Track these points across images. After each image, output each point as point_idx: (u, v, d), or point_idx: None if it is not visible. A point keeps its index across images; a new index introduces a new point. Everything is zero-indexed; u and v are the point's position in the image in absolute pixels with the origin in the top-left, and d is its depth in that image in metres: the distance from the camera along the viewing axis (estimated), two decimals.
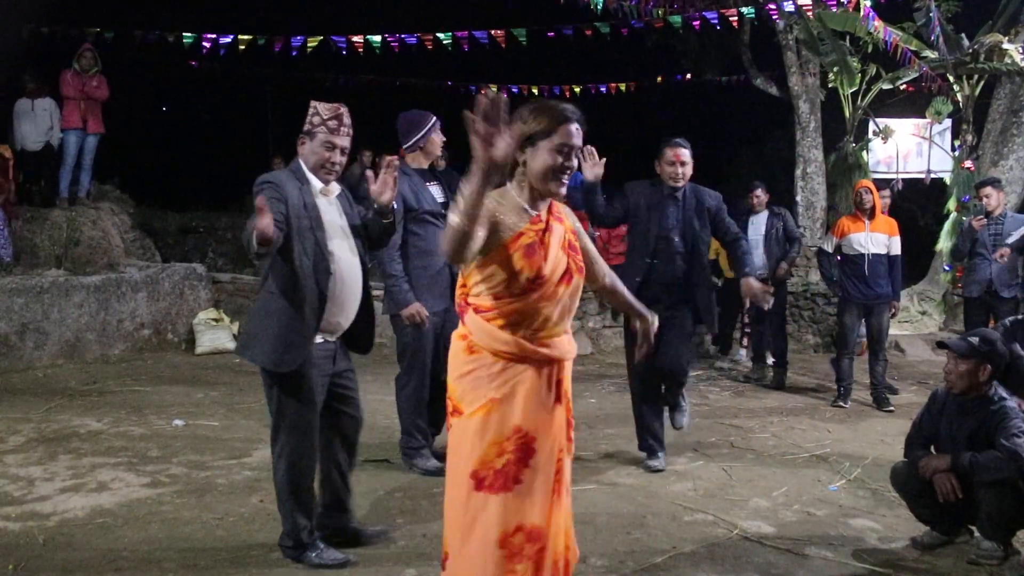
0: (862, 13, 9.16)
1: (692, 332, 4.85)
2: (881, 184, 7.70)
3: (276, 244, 2.97)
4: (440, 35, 9.53)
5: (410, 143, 4.55)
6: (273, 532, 3.62)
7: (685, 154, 4.61)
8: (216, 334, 8.09)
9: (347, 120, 3.26)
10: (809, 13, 9.67)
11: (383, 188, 3.33)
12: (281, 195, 3.12)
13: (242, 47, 9.45)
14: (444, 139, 4.66)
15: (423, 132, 4.52)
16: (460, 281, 2.42)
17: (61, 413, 5.65)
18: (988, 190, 6.71)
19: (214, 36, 9.35)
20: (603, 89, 14.05)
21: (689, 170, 4.64)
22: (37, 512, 3.86)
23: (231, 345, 8.09)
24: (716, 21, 9.47)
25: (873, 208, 6.40)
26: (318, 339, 3.24)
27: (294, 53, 9.60)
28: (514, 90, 13.70)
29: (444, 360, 4.60)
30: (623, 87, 14.06)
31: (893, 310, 6.48)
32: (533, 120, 2.33)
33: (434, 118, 4.58)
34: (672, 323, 4.50)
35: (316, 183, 3.26)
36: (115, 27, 9.45)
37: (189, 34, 9.34)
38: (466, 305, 2.38)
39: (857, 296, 6.41)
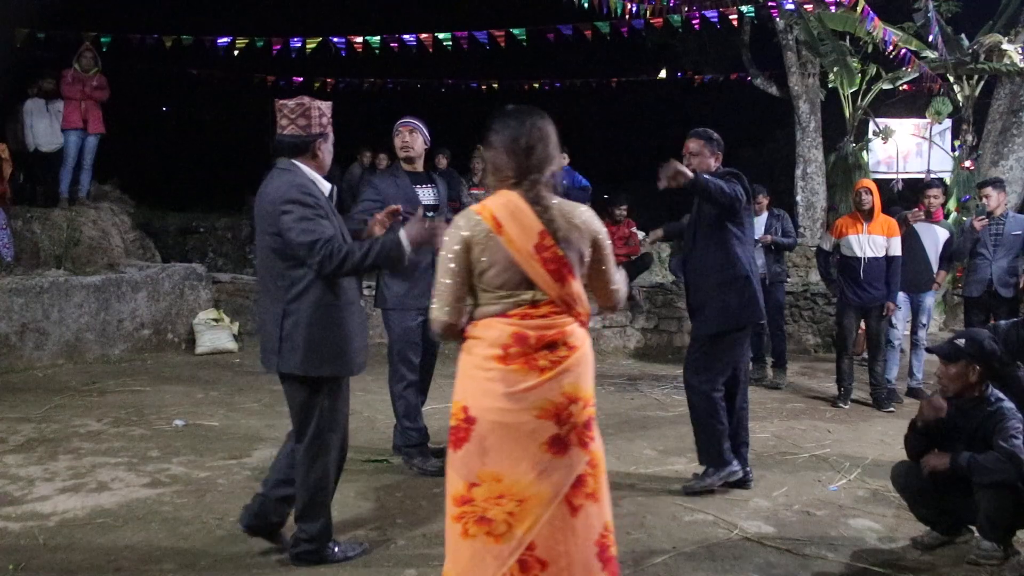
0: (859, 12, 9.14)
1: (710, 340, 4.35)
2: (932, 183, 7.41)
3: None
4: (440, 35, 9.52)
5: None
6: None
7: (690, 144, 4.36)
8: (216, 334, 8.08)
9: None
10: (809, 8, 9.66)
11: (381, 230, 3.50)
12: (325, 214, 3.13)
13: (239, 49, 9.42)
14: (405, 142, 4.54)
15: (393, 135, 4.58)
16: (582, 289, 2.50)
17: (61, 413, 5.65)
18: (989, 190, 6.69)
19: (211, 39, 9.33)
20: (601, 81, 14.07)
21: (700, 161, 4.30)
22: (37, 512, 3.86)
23: (231, 345, 8.09)
24: (716, 20, 9.47)
25: (872, 209, 6.38)
26: None
27: (293, 55, 9.59)
28: (514, 84, 13.70)
29: (431, 358, 4.69)
30: (622, 80, 14.08)
31: (887, 311, 6.44)
32: None
33: (399, 121, 4.56)
34: (695, 337, 4.45)
35: (326, 185, 3.26)
36: (112, 31, 9.41)
37: (186, 37, 9.32)
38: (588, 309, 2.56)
39: (854, 299, 6.41)
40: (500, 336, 2.39)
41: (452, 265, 2.45)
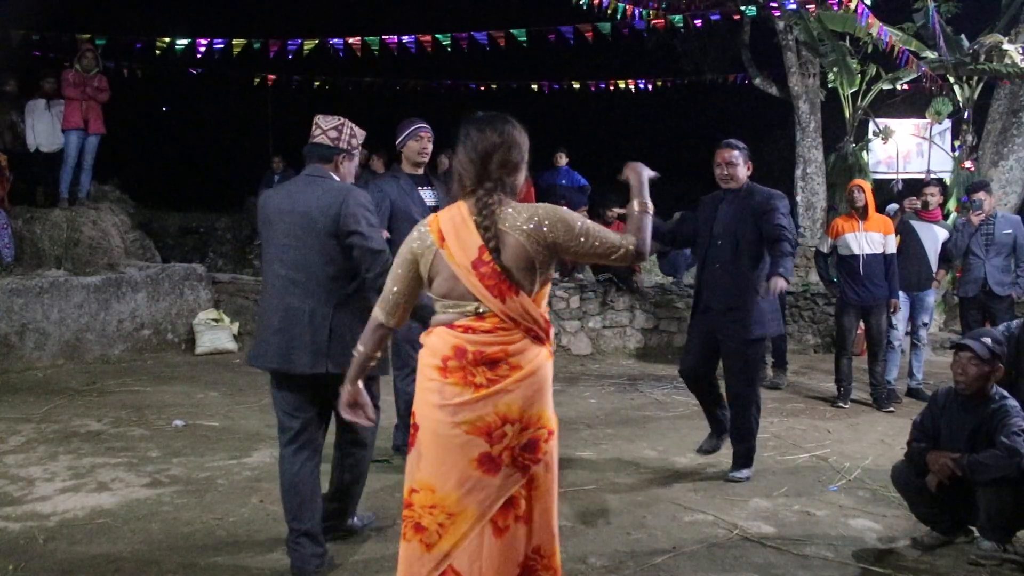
0: (854, 7, 9.14)
1: (755, 358, 4.67)
2: (930, 182, 7.50)
3: None
4: (439, 36, 9.51)
5: (396, 145, 4.70)
6: (273, 532, 3.63)
7: (729, 155, 4.56)
8: (216, 334, 8.08)
9: None
10: (811, 9, 9.66)
11: None
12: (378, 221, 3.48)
13: (236, 51, 9.39)
14: (425, 147, 4.60)
15: (401, 137, 4.64)
16: (530, 305, 2.35)
17: (61, 413, 5.65)
18: (983, 194, 6.81)
19: (207, 41, 9.30)
20: (602, 86, 14.04)
21: (739, 171, 4.56)
22: (37, 512, 3.86)
23: (231, 345, 8.09)
24: (719, 18, 9.47)
25: (865, 207, 6.41)
26: None
27: (290, 56, 9.57)
28: (513, 86, 13.68)
29: None
30: (622, 84, 14.05)
31: (893, 309, 6.46)
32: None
33: (416, 126, 4.61)
34: (729, 344, 4.54)
35: None
36: (107, 33, 9.36)
37: (183, 40, 9.28)
38: (548, 324, 2.43)
39: (853, 298, 6.42)
40: (441, 347, 2.36)
41: (399, 271, 2.46)
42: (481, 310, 2.34)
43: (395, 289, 2.47)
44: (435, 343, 2.38)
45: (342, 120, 3.38)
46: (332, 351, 3.17)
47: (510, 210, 2.36)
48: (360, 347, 2.56)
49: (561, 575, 2.43)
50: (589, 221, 2.41)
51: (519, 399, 2.32)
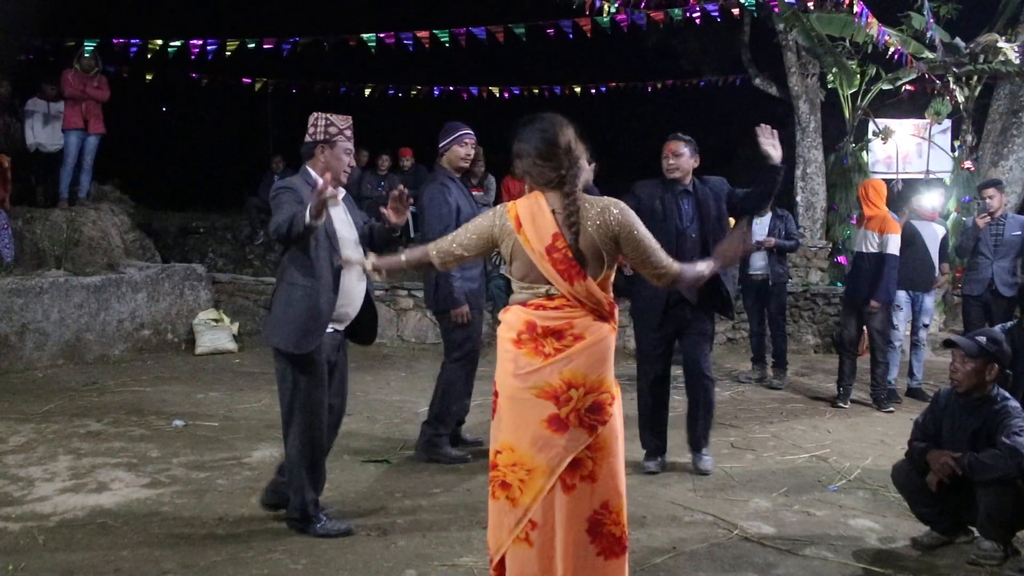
0: (855, 10, 9.13)
1: (712, 333, 4.81)
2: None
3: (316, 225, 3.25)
4: (437, 32, 9.48)
5: (439, 148, 4.78)
6: (273, 532, 3.63)
7: (676, 146, 4.57)
8: (216, 334, 8.08)
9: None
10: (811, 4, 9.65)
11: (398, 216, 3.55)
12: (299, 199, 3.42)
13: (229, 51, 9.34)
14: (470, 153, 4.76)
15: (447, 141, 4.74)
16: (595, 288, 2.62)
17: (61, 413, 5.65)
18: (992, 191, 6.76)
19: (200, 43, 9.25)
20: (603, 89, 14.02)
21: (684, 162, 4.56)
22: (37, 512, 3.86)
23: (231, 345, 8.09)
24: (717, 14, 9.46)
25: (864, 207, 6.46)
26: (328, 328, 3.52)
27: (286, 49, 9.51)
28: (515, 91, 13.64)
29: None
30: (622, 86, 14.02)
31: (870, 307, 6.26)
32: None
33: (463, 131, 4.73)
34: (694, 325, 4.61)
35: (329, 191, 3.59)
36: (103, 35, 9.30)
37: (175, 42, 9.23)
38: (612, 306, 2.69)
39: (844, 295, 6.51)
40: (516, 322, 2.66)
41: (473, 236, 2.74)
42: (551, 292, 2.63)
43: (457, 247, 2.76)
44: (511, 319, 2.68)
45: (316, 115, 3.59)
46: (265, 326, 3.68)
47: (585, 203, 2.63)
48: (403, 256, 2.91)
49: (627, 530, 2.67)
50: (649, 235, 2.69)
51: (583, 366, 2.59)
